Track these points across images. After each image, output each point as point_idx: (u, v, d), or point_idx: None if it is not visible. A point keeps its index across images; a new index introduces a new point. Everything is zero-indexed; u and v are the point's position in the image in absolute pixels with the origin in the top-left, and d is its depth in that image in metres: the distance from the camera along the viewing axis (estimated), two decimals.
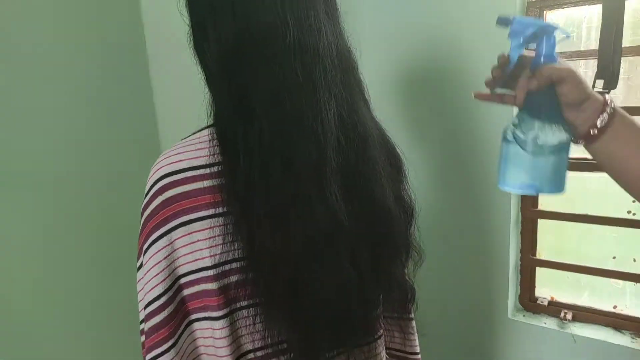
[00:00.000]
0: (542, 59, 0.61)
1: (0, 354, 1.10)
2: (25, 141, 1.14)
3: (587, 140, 0.62)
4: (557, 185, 0.64)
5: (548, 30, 0.60)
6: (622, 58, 0.92)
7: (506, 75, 0.65)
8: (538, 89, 0.61)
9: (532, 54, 0.63)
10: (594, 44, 1.11)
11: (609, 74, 0.93)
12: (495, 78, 0.66)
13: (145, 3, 1.37)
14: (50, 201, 1.20)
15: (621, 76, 0.93)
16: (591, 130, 0.60)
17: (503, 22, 0.62)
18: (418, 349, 0.85)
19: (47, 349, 1.20)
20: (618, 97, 1.16)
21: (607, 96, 0.63)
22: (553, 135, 0.61)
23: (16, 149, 1.12)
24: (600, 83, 0.96)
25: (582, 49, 1.13)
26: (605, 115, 0.60)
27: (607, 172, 0.65)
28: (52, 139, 1.20)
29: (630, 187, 0.64)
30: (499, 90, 0.69)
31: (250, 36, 0.55)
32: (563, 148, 0.62)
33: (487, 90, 0.70)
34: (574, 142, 0.63)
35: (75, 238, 1.26)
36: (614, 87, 0.95)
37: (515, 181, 0.64)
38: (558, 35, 0.62)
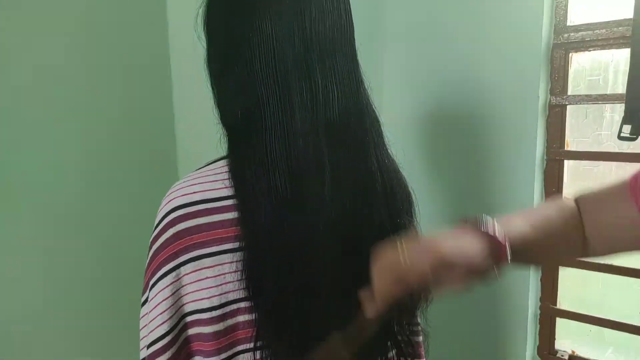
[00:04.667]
0: None
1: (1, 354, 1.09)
2: (37, 154, 1.15)
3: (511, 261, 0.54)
4: None
5: None
6: None
7: None
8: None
9: None
10: (620, 88, 1.09)
11: (637, 120, 0.89)
12: None
13: (172, 25, 1.40)
14: (56, 216, 1.20)
15: None
16: (507, 258, 0.53)
17: None
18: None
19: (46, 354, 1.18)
20: None
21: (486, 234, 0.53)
22: None
23: (28, 162, 1.13)
24: (627, 128, 0.92)
25: (608, 92, 1.11)
26: (508, 251, 0.53)
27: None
28: (68, 155, 1.21)
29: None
30: None
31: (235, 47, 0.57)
32: None
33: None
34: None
35: (83, 254, 1.25)
36: None
37: None
38: None
